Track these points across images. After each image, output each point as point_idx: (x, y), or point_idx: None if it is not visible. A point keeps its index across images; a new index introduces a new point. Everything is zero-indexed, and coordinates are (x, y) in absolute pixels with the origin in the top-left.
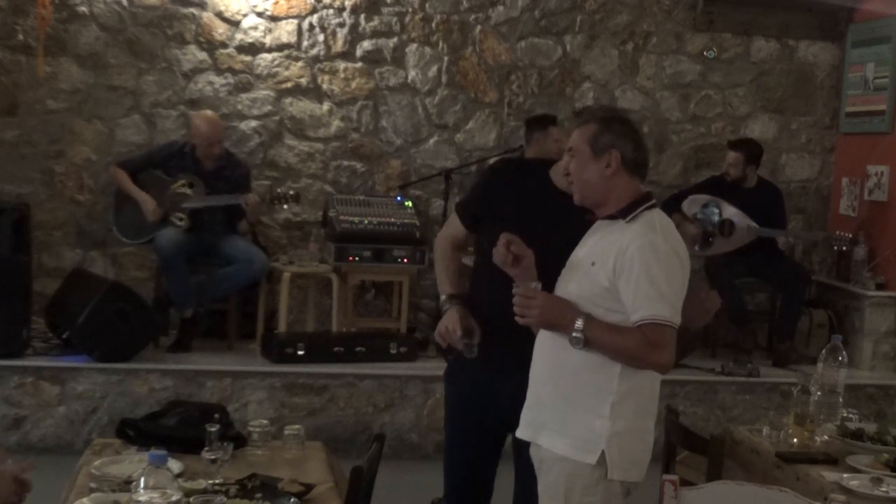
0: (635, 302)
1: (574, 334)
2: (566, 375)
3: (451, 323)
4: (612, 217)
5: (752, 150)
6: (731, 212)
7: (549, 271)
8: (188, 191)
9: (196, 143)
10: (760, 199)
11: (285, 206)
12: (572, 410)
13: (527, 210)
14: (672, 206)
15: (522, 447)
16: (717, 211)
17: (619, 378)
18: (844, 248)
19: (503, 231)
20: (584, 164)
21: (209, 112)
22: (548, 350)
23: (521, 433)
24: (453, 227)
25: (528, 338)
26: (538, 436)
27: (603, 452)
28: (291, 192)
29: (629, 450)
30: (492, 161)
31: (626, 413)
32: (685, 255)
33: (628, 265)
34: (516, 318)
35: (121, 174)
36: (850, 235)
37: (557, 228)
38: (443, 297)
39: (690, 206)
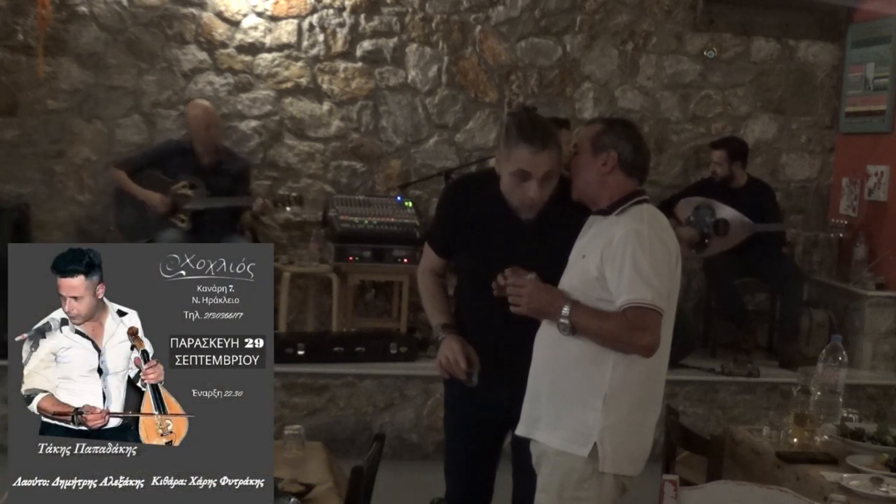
0: (619, 287)
1: (561, 320)
2: (561, 369)
3: (451, 354)
4: (603, 212)
5: (734, 147)
6: (723, 211)
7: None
8: (189, 192)
9: (192, 134)
10: (752, 198)
11: (288, 209)
12: (567, 404)
13: (492, 231)
14: (665, 212)
15: (521, 445)
16: (709, 211)
17: (613, 371)
18: (842, 235)
19: (476, 256)
20: (583, 160)
21: (201, 99)
22: (545, 345)
23: (519, 430)
24: (429, 258)
25: (520, 347)
26: (535, 431)
27: (595, 445)
28: (294, 195)
29: (622, 443)
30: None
31: (620, 406)
32: (673, 244)
33: (614, 253)
34: (511, 308)
35: (121, 175)
36: (846, 222)
37: (523, 245)
38: (436, 327)
39: (683, 209)
